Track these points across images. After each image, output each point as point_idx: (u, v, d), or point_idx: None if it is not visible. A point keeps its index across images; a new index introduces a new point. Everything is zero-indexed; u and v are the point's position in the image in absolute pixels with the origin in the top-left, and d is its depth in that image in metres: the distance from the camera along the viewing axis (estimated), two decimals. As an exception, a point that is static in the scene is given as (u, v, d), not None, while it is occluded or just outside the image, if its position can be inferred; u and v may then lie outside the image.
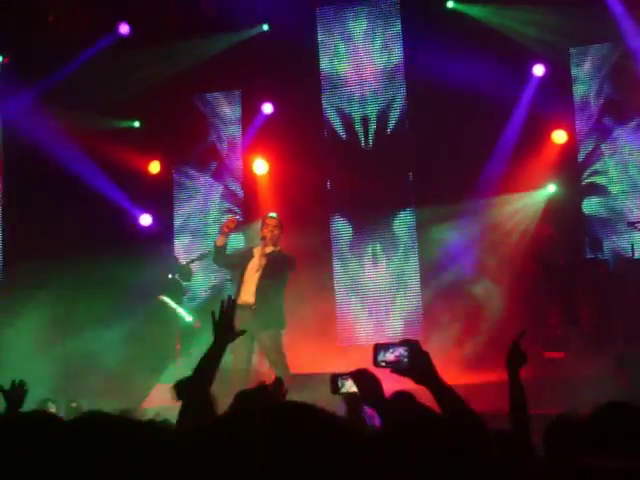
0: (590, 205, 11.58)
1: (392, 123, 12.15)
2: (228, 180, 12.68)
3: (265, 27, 12.41)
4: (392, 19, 12.23)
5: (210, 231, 12.49)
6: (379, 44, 12.29)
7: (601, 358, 9.39)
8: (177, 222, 12.80)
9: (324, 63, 12.42)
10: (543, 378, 9.42)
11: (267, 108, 12.33)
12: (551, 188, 11.42)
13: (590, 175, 11.59)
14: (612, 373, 7.99)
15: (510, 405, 3.85)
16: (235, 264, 9.23)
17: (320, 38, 12.44)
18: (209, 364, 3.86)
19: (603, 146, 11.54)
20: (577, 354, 10.17)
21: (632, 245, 10.56)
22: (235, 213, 12.44)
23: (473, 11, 11.65)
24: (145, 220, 12.52)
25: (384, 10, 12.26)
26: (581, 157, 11.64)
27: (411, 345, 3.14)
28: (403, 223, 12.03)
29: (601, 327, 10.35)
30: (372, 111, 12.24)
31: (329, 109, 12.38)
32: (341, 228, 12.23)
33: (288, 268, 8.87)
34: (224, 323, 3.92)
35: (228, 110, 12.77)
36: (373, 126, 12.23)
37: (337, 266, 12.21)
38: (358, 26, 12.35)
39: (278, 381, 4.26)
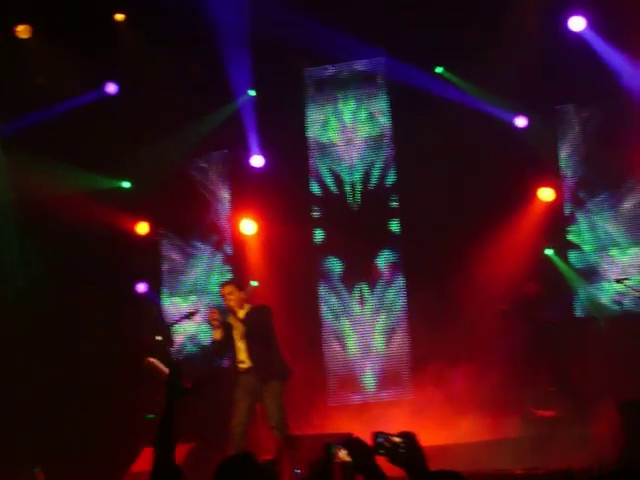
0: (577, 261, 11.61)
1: (378, 185, 12.21)
2: (218, 241, 12.63)
3: (252, 92, 12.38)
4: (380, 94, 12.36)
5: (199, 291, 12.49)
6: (364, 116, 12.40)
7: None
8: (165, 284, 12.73)
9: (312, 132, 12.51)
10: (534, 437, 9.38)
11: (257, 161, 12.31)
12: (548, 251, 11.50)
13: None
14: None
15: None
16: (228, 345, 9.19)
17: (308, 112, 12.54)
18: (164, 426, 4.08)
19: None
20: (568, 412, 10.12)
21: (620, 302, 10.54)
22: (224, 274, 12.43)
23: (459, 82, 11.77)
24: (141, 288, 12.51)
25: (371, 88, 12.42)
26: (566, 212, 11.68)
27: (409, 437, 3.20)
28: (392, 288, 12.02)
29: (590, 385, 10.31)
30: (359, 174, 12.30)
31: (320, 168, 12.43)
32: (329, 289, 12.19)
33: (267, 320, 8.99)
34: (169, 384, 4.19)
35: (216, 171, 12.77)
36: (359, 187, 12.28)
37: (326, 325, 12.15)
38: (346, 104, 12.47)
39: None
